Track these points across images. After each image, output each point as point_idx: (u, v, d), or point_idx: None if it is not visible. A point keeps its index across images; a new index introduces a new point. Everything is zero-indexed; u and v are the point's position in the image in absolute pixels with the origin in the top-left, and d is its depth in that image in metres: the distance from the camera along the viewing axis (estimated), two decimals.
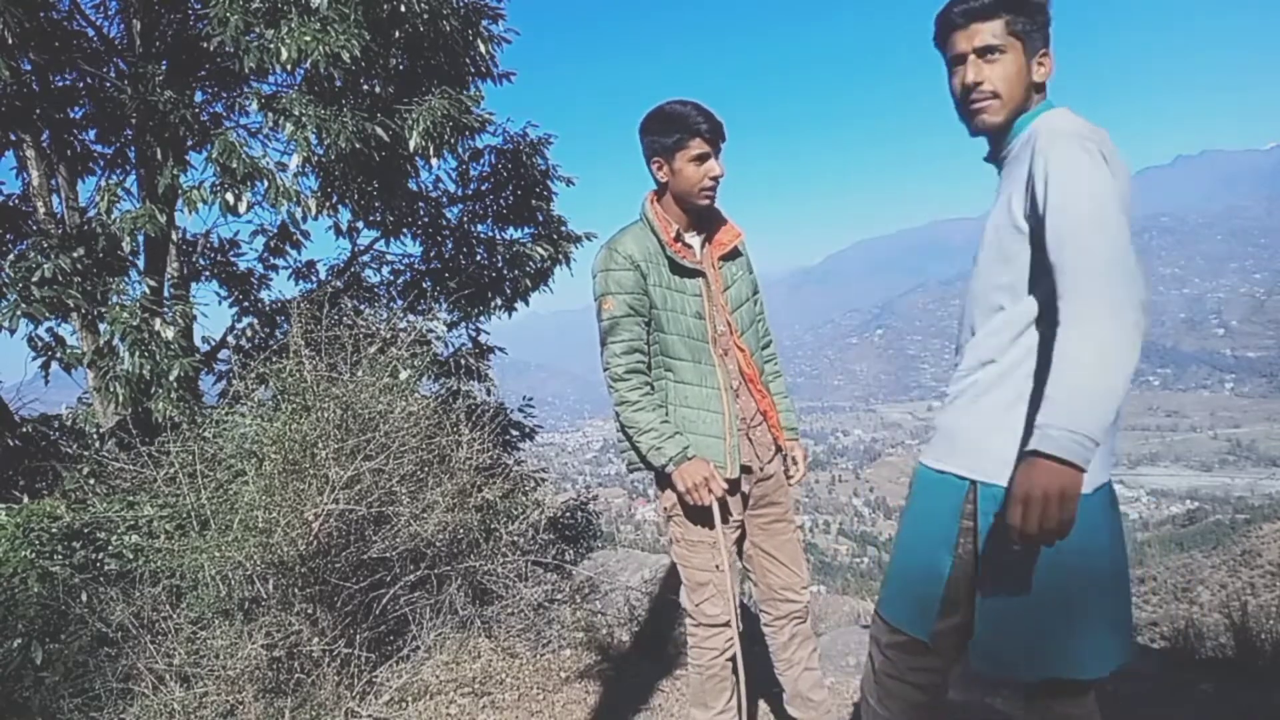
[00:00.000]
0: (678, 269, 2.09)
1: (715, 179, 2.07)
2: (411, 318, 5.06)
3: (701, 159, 2.04)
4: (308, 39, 4.36)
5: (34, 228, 5.29)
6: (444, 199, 6.52)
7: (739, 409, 2.14)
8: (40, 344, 5.18)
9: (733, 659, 2.18)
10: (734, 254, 2.22)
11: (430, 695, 2.87)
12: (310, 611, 2.82)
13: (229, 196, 4.94)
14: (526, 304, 6.53)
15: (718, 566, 2.13)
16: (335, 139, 4.59)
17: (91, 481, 3.78)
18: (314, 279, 6.56)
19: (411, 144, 4.83)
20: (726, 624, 2.15)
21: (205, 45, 4.91)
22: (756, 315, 2.28)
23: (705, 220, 2.18)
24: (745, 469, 2.15)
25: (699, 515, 2.11)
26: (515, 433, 6.68)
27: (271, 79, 5.28)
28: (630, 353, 2.08)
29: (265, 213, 5.73)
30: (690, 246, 2.15)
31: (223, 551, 2.70)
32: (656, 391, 2.11)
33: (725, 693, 2.21)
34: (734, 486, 2.13)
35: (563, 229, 6.51)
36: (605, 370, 2.11)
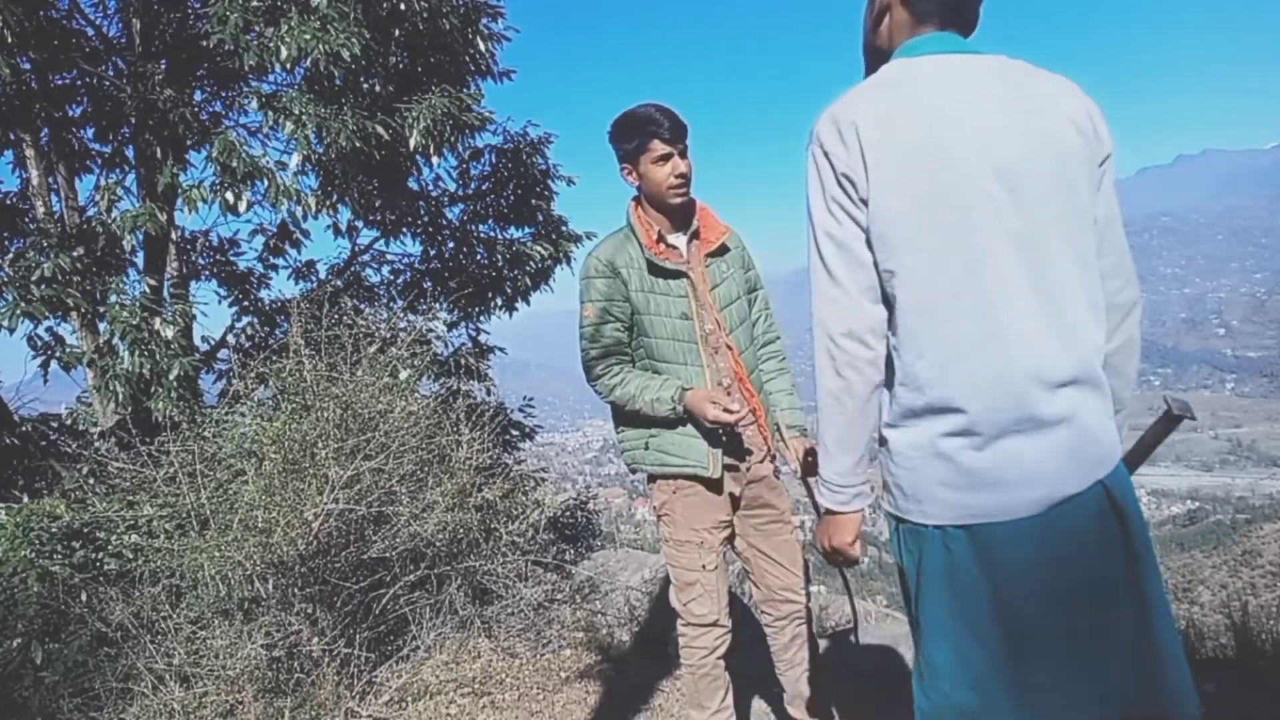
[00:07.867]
0: (658, 271, 2.08)
1: (681, 176, 2.05)
2: (411, 317, 5.04)
3: (664, 159, 2.03)
4: (307, 37, 4.36)
5: (33, 226, 5.28)
6: (444, 198, 6.51)
7: None
8: (40, 343, 5.17)
9: (726, 658, 2.19)
10: (722, 250, 2.19)
11: (430, 695, 2.87)
12: (310, 611, 2.81)
13: (229, 195, 4.93)
14: (527, 304, 6.53)
15: (704, 566, 2.13)
16: (335, 137, 4.59)
17: (91, 481, 3.78)
18: (314, 278, 6.55)
19: (412, 142, 4.83)
20: (714, 624, 2.15)
21: (205, 44, 4.90)
22: (754, 312, 2.26)
23: (689, 219, 2.16)
24: (731, 469, 2.14)
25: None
26: (515, 433, 6.67)
27: (271, 77, 5.28)
28: (604, 356, 2.10)
29: (265, 212, 5.72)
30: (674, 247, 2.13)
31: (222, 551, 2.69)
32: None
33: (719, 692, 2.21)
34: (718, 488, 2.12)
35: (563, 228, 6.50)
36: (585, 374, 2.14)
